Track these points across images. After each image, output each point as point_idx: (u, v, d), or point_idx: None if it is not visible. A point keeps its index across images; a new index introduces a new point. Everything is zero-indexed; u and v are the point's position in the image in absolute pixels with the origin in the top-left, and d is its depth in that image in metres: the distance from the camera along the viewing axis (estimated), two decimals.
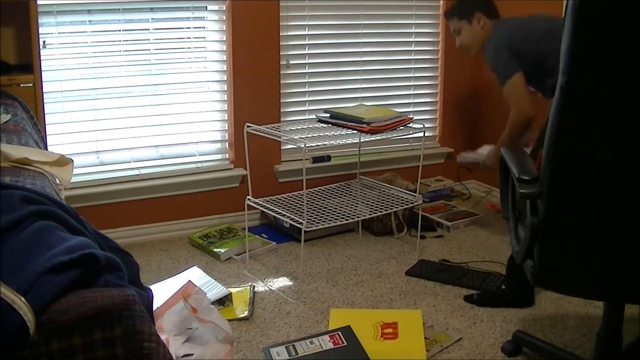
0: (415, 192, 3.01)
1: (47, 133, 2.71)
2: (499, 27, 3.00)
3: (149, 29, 3.21)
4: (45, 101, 2.70)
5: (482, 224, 3.52)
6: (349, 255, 3.14)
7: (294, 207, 2.92)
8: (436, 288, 2.78)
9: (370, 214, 2.87)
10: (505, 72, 2.86)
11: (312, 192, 3.19)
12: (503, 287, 2.67)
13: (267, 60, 3.40)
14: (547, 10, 3.35)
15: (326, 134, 2.83)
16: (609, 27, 1.50)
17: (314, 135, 2.82)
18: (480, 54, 3.10)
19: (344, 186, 3.31)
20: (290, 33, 3.47)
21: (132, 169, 3.27)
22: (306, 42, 3.54)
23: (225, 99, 3.41)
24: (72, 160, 1.93)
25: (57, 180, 1.77)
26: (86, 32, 3.05)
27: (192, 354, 1.97)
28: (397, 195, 3.08)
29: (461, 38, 3.13)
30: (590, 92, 1.56)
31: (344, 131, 2.81)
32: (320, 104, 3.54)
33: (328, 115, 2.94)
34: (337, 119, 2.87)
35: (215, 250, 3.09)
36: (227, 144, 3.48)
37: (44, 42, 2.85)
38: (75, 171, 1.99)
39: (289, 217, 2.75)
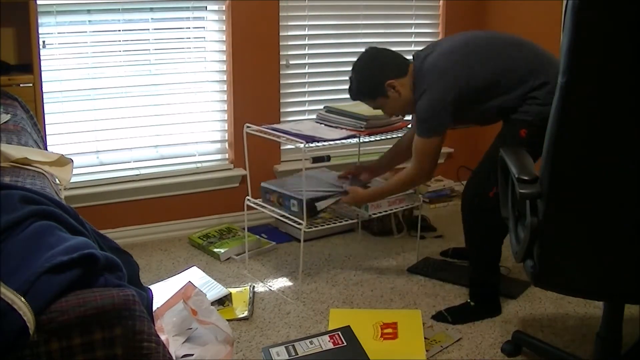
0: (415, 192, 3.01)
1: (47, 133, 2.71)
2: (432, 64, 2.48)
3: (148, 29, 3.21)
4: (45, 101, 2.70)
5: None
6: (349, 255, 3.13)
7: None
8: (436, 288, 2.78)
9: (370, 214, 2.87)
10: (432, 128, 2.46)
11: None
12: (470, 302, 2.57)
13: (267, 60, 3.40)
14: (547, 10, 3.36)
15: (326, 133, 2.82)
16: (609, 27, 1.50)
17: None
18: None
19: None
20: (290, 33, 3.47)
21: (132, 169, 3.26)
22: (306, 42, 3.54)
23: (225, 99, 3.41)
24: (72, 160, 1.93)
25: (57, 180, 1.77)
26: (86, 32, 3.05)
27: (192, 354, 1.97)
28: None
29: (388, 111, 2.68)
30: (590, 92, 1.56)
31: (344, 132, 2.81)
32: (320, 104, 3.53)
33: (328, 112, 2.94)
34: (337, 115, 2.88)
35: (215, 250, 3.09)
36: (226, 144, 3.48)
37: (43, 42, 2.85)
38: (75, 171, 1.99)
39: (288, 217, 2.75)
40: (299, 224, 2.66)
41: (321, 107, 3.29)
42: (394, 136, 2.96)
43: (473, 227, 2.54)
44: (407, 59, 2.62)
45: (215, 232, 3.28)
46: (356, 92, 2.62)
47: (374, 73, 2.56)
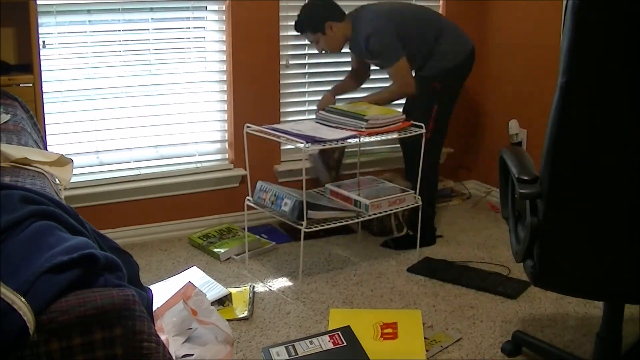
0: (415, 192, 3.01)
1: (47, 133, 2.70)
2: (367, 15, 3.15)
3: (148, 29, 3.21)
4: (45, 101, 2.70)
5: (481, 224, 3.53)
6: (349, 255, 3.13)
7: None
8: (436, 288, 2.78)
9: (370, 214, 2.87)
10: (393, 55, 3.07)
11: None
12: (410, 232, 3.21)
13: (267, 60, 3.39)
14: (547, 10, 3.36)
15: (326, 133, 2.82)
16: (609, 27, 1.50)
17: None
18: (345, 49, 3.27)
19: None
20: (290, 33, 3.46)
21: (132, 169, 3.26)
22: (306, 42, 3.54)
23: (225, 99, 3.41)
24: (72, 160, 1.93)
25: (57, 180, 1.77)
26: (86, 32, 3.05)
27: (192, 354, 1.97)
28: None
29: (320, 46, 3.21)
30: (590, 92, 1.56)
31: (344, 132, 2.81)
32: None
33: (328, 112, 2.94)
34: (337, 115, 2.88)
35: (215, 250, 3.09)
36: (226, 144, 3.48)
37: (43, 42, 2.84)
38: (75, 171, 1.99)
39: (288, 217, 2.75)
40: (298, 224, 2.66)
41: None
42: (394, 136, 2.96)
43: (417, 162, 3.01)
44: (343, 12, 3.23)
45: (215, 232, 3.28)
46: (300, 25, 3.19)
47: (318, 12, 3.16)
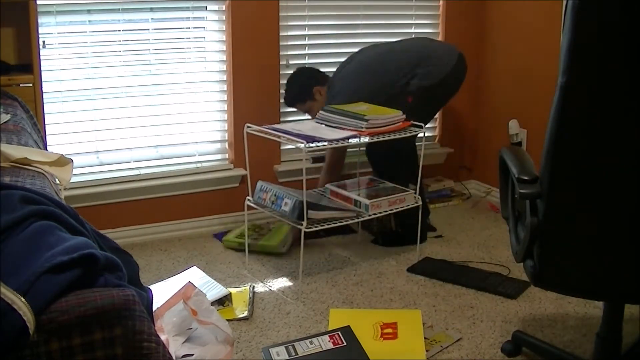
0: (415, 193, 3.01)
1: (47, 133, 2.71)
2: (336, 80, 3.24)
3: (148, 29, 3.21)
4: (45, 101, 2.70)
5: (481, 224, 3.53)
6: (349, 255, 3.14)
7: None
8: (436, 288, 2.78)
9: (370, 214, 2.87)
10: None
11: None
12: (399, 230, 3.25)
13: (267, 60, 3.40)
14: (547, 10, 3.36)
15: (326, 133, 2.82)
16: (609, 27, 1.50)
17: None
18: None
19: None
20: (290, 33, 3.47)
21: (132, 169, 3.26)
22: (306, 42, 3.54)
23: (225, 99, 3.41)
24: (72, 160, 1.93)
25: (56, 180, 1.77)
26: (86, 32, 3.05)
27: (192, 354, 1.97)
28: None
29: (313, 112, 3.19)
30: (590, 92, 1.56)
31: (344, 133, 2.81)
32: None
33: (328, 112, 2.94)
34: (337, 115, 2.88)
35: (267, 243, 3.09)
36: (227, 144, 3.48)
37: (43, 42, 2.85)
38: (75, 171, 1.99)
39: (288, 217, 2.75)
40: (298, 224, 2.66)
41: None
42: (394, 136, 2.95)
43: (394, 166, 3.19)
44: (327, 75, 3.32)
45: (242, 231, 3.16)
46: (290, 100, 3.30)
47: (303, 81, 3.26)
